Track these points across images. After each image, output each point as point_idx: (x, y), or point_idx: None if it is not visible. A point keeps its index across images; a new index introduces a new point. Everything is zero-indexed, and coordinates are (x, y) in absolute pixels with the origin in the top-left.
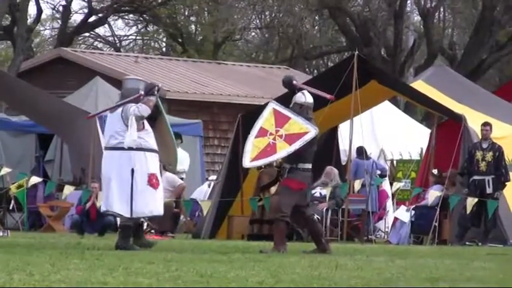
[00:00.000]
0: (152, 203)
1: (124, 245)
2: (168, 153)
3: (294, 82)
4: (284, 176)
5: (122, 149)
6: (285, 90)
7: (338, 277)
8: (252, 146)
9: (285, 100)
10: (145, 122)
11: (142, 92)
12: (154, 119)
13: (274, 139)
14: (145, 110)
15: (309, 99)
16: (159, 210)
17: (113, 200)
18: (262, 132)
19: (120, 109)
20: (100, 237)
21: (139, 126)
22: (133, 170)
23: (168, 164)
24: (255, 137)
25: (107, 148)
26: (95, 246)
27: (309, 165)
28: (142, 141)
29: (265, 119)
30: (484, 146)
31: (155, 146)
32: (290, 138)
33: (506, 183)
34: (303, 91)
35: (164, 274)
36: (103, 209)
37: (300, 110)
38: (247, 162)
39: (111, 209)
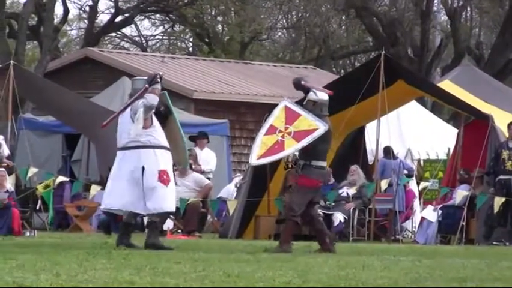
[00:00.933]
0: (162, 200)
1: (154, 242)
2: (178, 153)
3: (303, 82)
4: (299, 172)
5: (133, 148)
6: None
7: (365, 277)
8: (260, 143)
9: None
10: (154, 118)
11: (147, 85)
12: (164, 117)
13: (282, 136)
14: (152, 98)
15: (322, 96)
16: (171, 207)
17: (127, 199)
18: (272, 130)
19: (129, 108)
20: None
21: (147, 123)
22: (143, 168)
23: (178, 164)
24: (264, 134)
25: (118, 148)
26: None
27: (322, 163)
28: (151, 138)
29: (276, 117)
30: (511, 145)
31: (164, 143)
32: (299, 135)
33: None
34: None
35: (191, 274)
36: (106, 207)
37: (314, 107)
38: (253, 159)
39: (124, 208)
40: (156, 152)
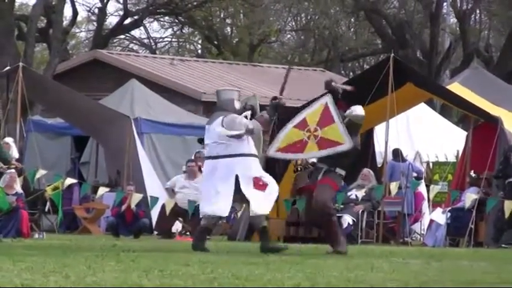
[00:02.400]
0: (258, 204)
1: (268, 246)
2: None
3: (333, 84)
4: (319, 177)
5: (224, 157)
6: (320, 92)
7: (374, 279)
8: (284, 137)
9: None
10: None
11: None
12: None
13: (308, 137)
14: (257, 126)
15: (358, 112)
16: (267, 209)
17: (214, 203)
18: (302, 125)
19: (220, 119)
20: (136, 239)
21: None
22: (237, 176)
23: None
24: (294, 126)
25: (208, 157)
26: (130, 248)
27: (343, 173)
28: (242, 147)
29: (312, 112)
30: None
31: (253, 151)
32: (322, 143)
33: None
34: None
35: (200, 276)
36: (208, 213)
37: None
38: (272, 150)
39: (224, 214)
40: (246, 160)
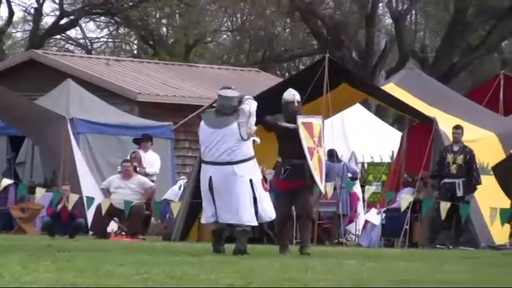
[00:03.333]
0: (270, 207)
1: (244, 249)
2: None
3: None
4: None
5: (237, 162)
6: (255, 93)
7: (309, 279)
8: (315, 172)
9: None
10: None
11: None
12: None
13: (314, 149)
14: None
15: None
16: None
17: (242, 212)
18: (311, 132)
19: (234, 124)
20: (71, 239)
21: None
22: (251, 180)
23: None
24: (311, 159)
25: (219, 163)
26: (65, 248)
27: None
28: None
29: (306, 138)
30: (455, 149)
31: (251, 153)
32: (319, 161)
33: (478, 186)
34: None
35: (135, 276)
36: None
37: (298, 107)
38: (322, 186)
39: (239, 221)
40: (254, 163)
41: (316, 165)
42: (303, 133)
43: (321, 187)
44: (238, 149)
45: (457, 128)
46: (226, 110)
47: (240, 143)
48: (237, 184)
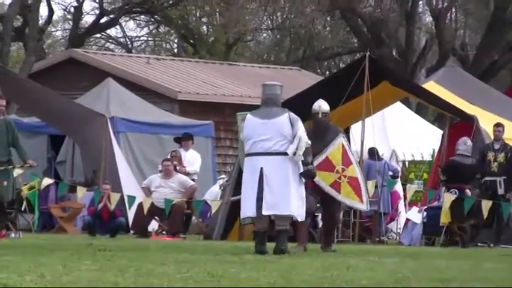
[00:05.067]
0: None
1: (284, 248)
2: None
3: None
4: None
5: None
6: (296, 91)
7: (350, 278)
8: (348, 200)
9: (296, 100)
10: None
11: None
12: None
13: (339, 178)
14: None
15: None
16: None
17: (293, 204)
18: (329, 166)
19: (286, 115)
20: (112, 239)
21: None
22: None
23: None
24: (319, 169)
25: (272, 153)
26: (106, 247)
27: None
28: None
29: (332, 152)
30: (496, 147)
31: None
32: (352, 181)
33: None
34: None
35: (176, 275)
36: (268, 212)
37: (325, 117)
38: (364, 206)
39: (292, 213)
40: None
41: (348, 191)
42: (333, 147)
43: (363, 207)
44: (290, 142)
45: (498, 126)
46: (273, 99)
47: (290, 136)
48: (290, 175)
